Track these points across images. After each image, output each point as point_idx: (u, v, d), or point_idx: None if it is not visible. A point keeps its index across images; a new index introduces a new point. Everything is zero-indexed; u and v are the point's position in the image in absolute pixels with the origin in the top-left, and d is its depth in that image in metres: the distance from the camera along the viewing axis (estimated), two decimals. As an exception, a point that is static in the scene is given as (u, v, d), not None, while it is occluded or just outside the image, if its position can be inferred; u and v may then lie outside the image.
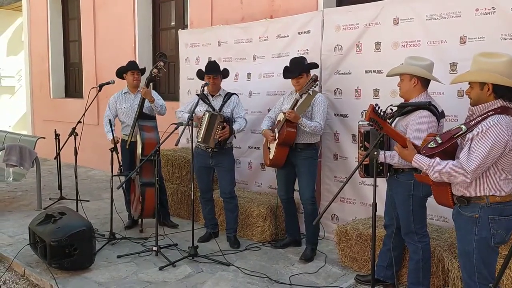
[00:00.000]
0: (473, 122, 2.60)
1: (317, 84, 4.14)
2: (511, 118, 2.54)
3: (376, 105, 2.84)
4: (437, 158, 2.63)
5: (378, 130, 2.85)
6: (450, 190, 2.74)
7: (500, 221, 2.60)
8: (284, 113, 4.23)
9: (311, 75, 4.20)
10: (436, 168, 2.61)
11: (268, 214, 4.79)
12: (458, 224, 2.77)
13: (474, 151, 2.52)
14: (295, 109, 4.17)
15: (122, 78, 5.24)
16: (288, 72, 4.34)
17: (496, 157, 2.52)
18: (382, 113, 2.83)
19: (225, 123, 4.44)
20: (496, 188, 2.59)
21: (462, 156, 2.56)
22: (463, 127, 2.62)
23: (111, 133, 4.99)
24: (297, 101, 4.17)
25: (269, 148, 4.48)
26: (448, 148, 2.65)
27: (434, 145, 2.67)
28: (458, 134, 2.62)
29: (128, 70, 5.16)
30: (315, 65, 4.39)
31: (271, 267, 4.20)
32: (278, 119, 4.43)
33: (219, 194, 4.84)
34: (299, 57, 4.39)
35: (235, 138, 4.78)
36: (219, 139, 4.44)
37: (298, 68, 4.24)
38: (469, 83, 2.71)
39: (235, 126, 4.56)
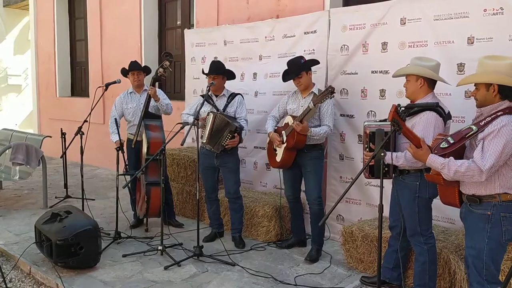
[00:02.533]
0: (483, 122, 2.65)
1: (332, 96, 4.04)
2: None
3: (399, 105, 2.85)
4: (452, 158, 2.67)
5: (398, 131, 2.85)
6: (458, 189, 2.79)
7: (511, 218, 2.66)
8: (294, 117, 4.21)
9: (329, 86, 4.06)
10: (451, 168, 2.64)
11: (273, 214, 4.78)
12: (469, 222, 2.80)
13: (488, 150, 2.57)
14: (305, 118, 4.10)
15: (127, 77, 5.26)
16: (286, 74, 4.31)
17: (508, 156, 2.58)
18: (402, 113, 2.84)
19: (236, 133, 4.42)
20: (508, 186, 2.65)
21: (476, 155, 2.61)
22: (474, 127, 2.68)
23: (116, 135, 4.99)
24: (309, 109, 4.08)
25: (275, 150, 4.46)
26: (458, 148, 2.70)
27: (446, 145, 2.72)
28: (469, 134, 2.67)
29: (128, 71, 5.17)
30: (314, 62, 4.32)
31: (276, 267, 4.19)
32: (286, 121, 4.39)
33: (224, 194, 4.84)
34: (295, 58, 4.32)
35: None
36: (226, 147, 4.44)
37: (294, 69, 4.21)
38: (475, 85, 2.76)
39: (241, 134, 4.55)
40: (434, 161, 2.73)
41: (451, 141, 2.72)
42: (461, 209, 2.86)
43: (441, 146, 2.75)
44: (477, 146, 2.64)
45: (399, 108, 2.82)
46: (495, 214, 2.66)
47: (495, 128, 2.57)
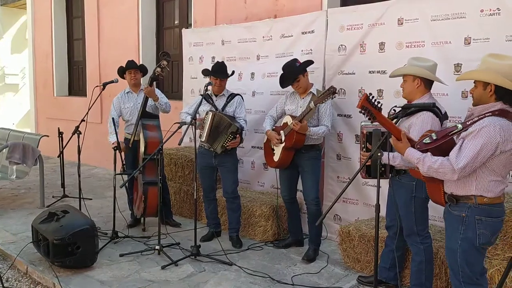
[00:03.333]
0: (469, 122, 2.61)
1: (334, 96, 4.06)
2: (508, 121, 2.54)
3: (370, 94, 2.84)
4: (429, 153, 2.64)
5: (371, 120, 2.84)
6: (442, 188, 2.77)
7: (487, 222, 2.62)
8: (293, 117, 4.21)
9: (330, 87, 4.05)
10: (426, 163, 2.62)
11: (270, 213, 4.79)
12: (447, 222, 2.82)
13: (464, 149, 2.54)
14: (304, 117, 4.11)
15: (124, 77, 5.25)
16: (284, 80, 4.30)
17: (486, 158, 2.53)
18: (376, 103, 2.81)
19: (237, 134, 4.44)
20: (484, 189, 2.61)
21: (452, 153, 2.58)
22: (459, 125, 2.64)
23: (114, 135, 4.99)
24: (310, 109, 4.10)
25: (273, 149, 4.46)
26: (442, 145, 2.66)
27: (429, 141, 2.70)
28: (453, 132, 2.64)
29: (125, 70, 5.16)
30: (309, 63, 4.32)
31: (273, 267, 4.20)
32: (284, 121, 4.39)
33: (222, 194, 4.84)
34: (290, 61, 4.31)
35: None
36: (227, 147, 4.46)
37: (291, 74, 4.20)
38: (474, 82, 2.71)
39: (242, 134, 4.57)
40: (411, 155, 2.71)
41: (434, 137, 2.69)
42: (444, 209, 2.86)
43: (423, 141, 2.72)
44: (456, 144, 2.61)
45: (370, 97, 2.79)
46: (469, 217, 2.63)
47: (476, 128, 2.51)
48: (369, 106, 2.78)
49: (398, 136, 2.83)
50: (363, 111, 2.81)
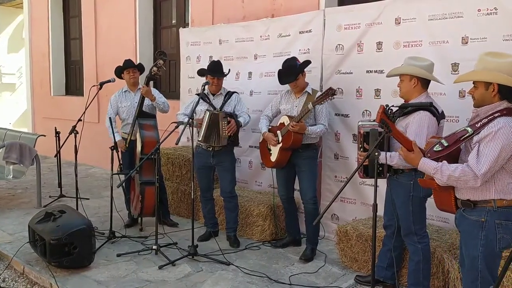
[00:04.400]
0: (479, 124, 2.52)
1: (333, 98, 4.06)
2: None
3: (387, 105, 2.76)
4: (445, 162, 2.54)
5: (387, 133, 2.77)
6: (454, 195, 2.68)
7: (507, 225, 2.54)
8: (289, 117, 4.21)
9: (329, 88, 4.05)
10: (444, 172, 2.52)
11: (268, 213, 4.78)
12: (463, 228, 2.69)
13: (484, 154, 2.44)
14: (302, 118, 4.12)
15: (121, 77, 5.24)
16: (284, 77, 4.29)
17: (505, 160, 2.46)
18: (392, 115, 2.76)
19: (228, 118, 4.45)
20: (503, 191, 2.52)
21: (471, 159, 2.48)
22: (469, 129, 2.55)
23: (116, 134, 4.99)
24: (308, 110, 4.10)
25: (269, 150, 4.46)
26: (452, 151, 2.58)
27: (440, 148, 2.60)
28: (465, 136, 2.55)
29: (123, 69, 5.15)
30: (308, 63, 4.31)
31: (270, 266, 4.19)
32: (281, 121, 4.39)
33: (219, 193, 4.84)
34: (290, 60, 4.30)
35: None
36: (229, 134, 4.45)
37: (293, 72, 4.19)
38: (473, 83, 2.63)
39: (241, 120, 4.58)
40: (426, 165, 2.59)
41: (445, 144, 2.59)
42: (456, 215, 2.75)
43: (434, 149, 2.62)
44: (472, 149, 2.51)
45: (387, 109, 2.73)
46: (489, 221, 2.53)
47: (492, 131, 2.42)
48: (386, 119, 2.72)
49: (409, 147, 2.74)
50: (382, 125, 2.73)
